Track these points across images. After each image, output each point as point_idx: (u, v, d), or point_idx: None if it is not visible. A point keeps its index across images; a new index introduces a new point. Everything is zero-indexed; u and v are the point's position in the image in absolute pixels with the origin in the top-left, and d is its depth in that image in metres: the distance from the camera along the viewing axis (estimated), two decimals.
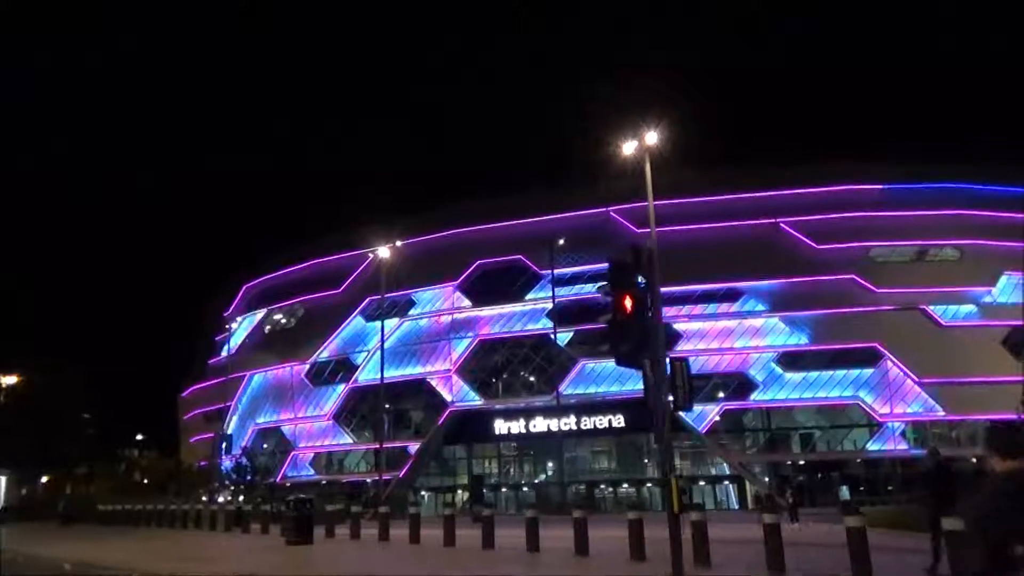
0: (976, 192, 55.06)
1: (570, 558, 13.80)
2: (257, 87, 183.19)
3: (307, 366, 65.59)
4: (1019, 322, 52.03)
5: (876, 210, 54.26)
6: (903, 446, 51.25)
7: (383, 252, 45.95)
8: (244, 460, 59.17)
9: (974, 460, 37.76)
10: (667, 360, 24.75)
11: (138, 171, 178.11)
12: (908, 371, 51.04)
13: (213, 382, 70.23)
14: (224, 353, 67.35)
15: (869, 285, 52.45)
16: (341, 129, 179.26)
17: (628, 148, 24.55)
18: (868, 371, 51.85)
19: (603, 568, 12.27)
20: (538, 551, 15.00)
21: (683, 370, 25.29)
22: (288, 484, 62.77)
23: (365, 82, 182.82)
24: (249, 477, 58.24)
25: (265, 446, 67.47)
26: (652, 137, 24.15)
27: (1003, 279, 53.12)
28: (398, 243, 51.12)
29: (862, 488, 48.99)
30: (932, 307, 52.25)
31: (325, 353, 65.13)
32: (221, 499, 57.60)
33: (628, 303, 12.67)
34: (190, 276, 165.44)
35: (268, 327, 72.28)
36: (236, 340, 71.27)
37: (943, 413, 50.91)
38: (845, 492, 32.17)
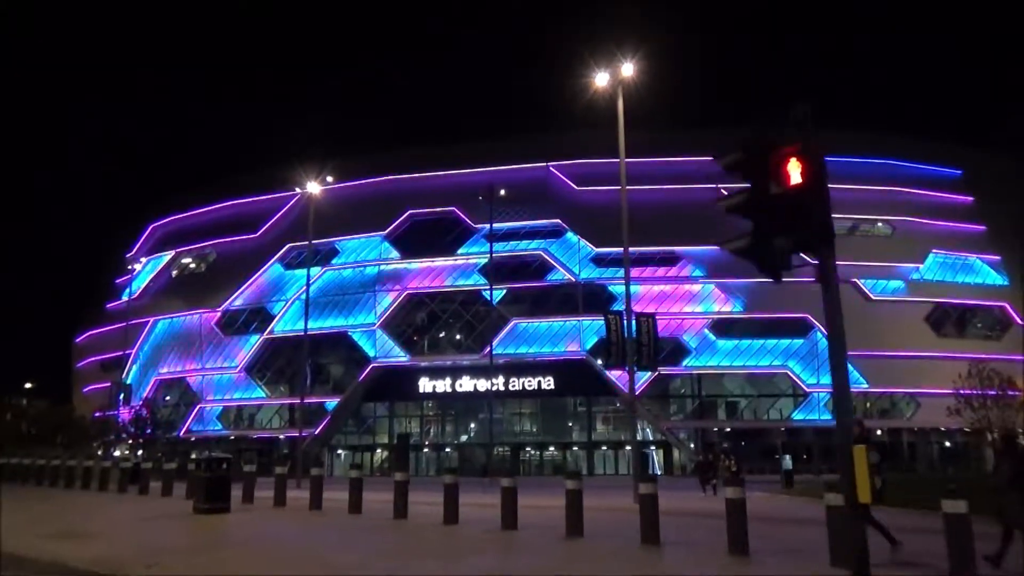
0: (911, 170, 55.67)
1: (498, 534, 11.60)
2: (182, 4, 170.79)
3: (218, 314, 61.18)
4: (943, 300, 53.20)
5: None
6: (826, 416, 51.71)
7: (310, 192, 42.20)
8: (144, 412, 54.68)
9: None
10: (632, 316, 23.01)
11: (36, 91, 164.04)
12: None
13: (112, 327, 64.69)
14: (125, 297, 62.00)
15: (804, 256, 52.12)
16: (270, 64, 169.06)
17: (601, 80, 22.30)
18: (798, 341, 52.02)
19: (548, 553, 10.05)
20: (456, 523, 12.75)
21: (650, 327, 23.67)
22: (193, 439, 58.82)
23: (299, 13, 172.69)
24: (149, 430, 53.91)
25: (168, 398, 62.91)
26: (628, 69, 21.99)
27: (931, 257, 54.03)
28: (324, 187, 47.48)
29: (805, 457, 49.19)
30: (862, 281, 52.66)
31: (239, 301, 60.85)
32: (117, 453, 53.26)
33: (797, 167, 7.48)
34: (89, 211, 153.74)
35: (175, 271, 67.12)
36: (139, 283, 65.87)
37: (867, 386, 51.61)
38: (788, 462, 31.36)
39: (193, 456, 19.72)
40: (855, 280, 52.39)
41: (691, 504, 19.82)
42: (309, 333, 49.09)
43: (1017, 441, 9.37)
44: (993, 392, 33.86)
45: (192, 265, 66.74)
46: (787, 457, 32.55)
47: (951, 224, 54.58)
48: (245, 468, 18.15)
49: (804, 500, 22.16)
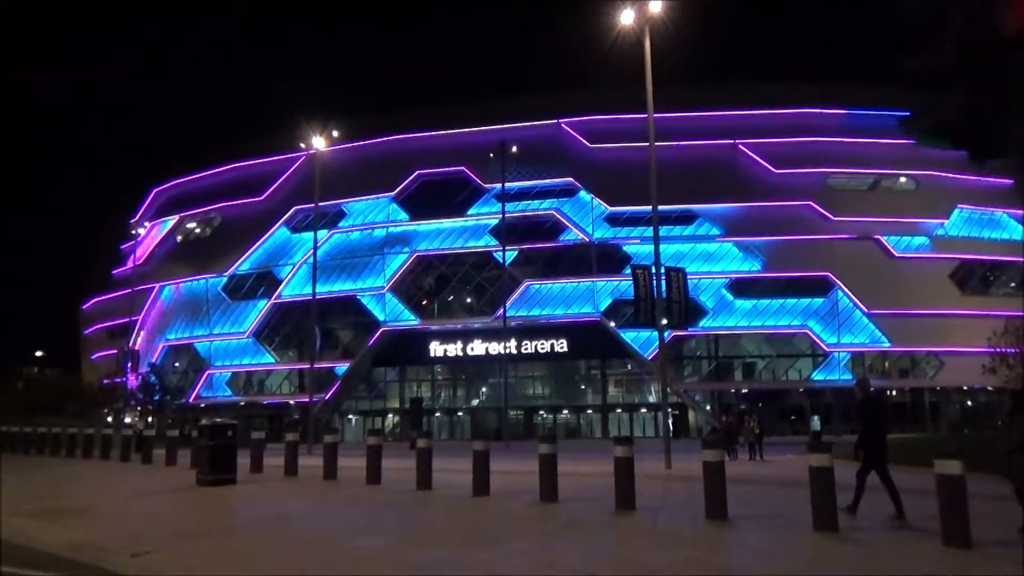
0: None
1: (539, 508, 10.41)
2: None
3: (224, 279, 60.08)
4: (968, 256, 51.61)
5: (837, 136, 52.21)
6: (847, 376, 50.60)
7: (316, 152, 40.68)
8: (152, 378, 53.95)
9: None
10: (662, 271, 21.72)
11: (37, 57, 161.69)
12: (858, 302, 50.03)
13: (118, 294, 63.78)
14: (130, 263, 60.93)
15: (826, 212, 50.71)
16: (275, 23, 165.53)
17: (626, 18, 20.66)
18: (818, 300, 50.63)
19: (610, 535, 8.91)
20: (488, 494, 11.59)
21: (680, 282, 22.37)
22: (203, 405, 58.20)
23: None
24: (157, 397, 53.21)
25: (177, 364, 62.18)
26: (656, 5, 20.34)
27: (956, 212, 52.28)
28: (330, 147, 45.96)
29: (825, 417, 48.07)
30: (886, 238, 51.09)
31: (245, 265, 59.70)
32: (128, 420, 52.69)
33: None
34: (94, 176, 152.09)
35: (180, 236, 65.91)
36: (144, 249, 64.79)
37: (889, 345, 50.36)
38: (816, 422, 30.24)
39: (200, 423, 18.57)
40: (878, 236, 50.88)
41: (738, 468, 18.71)
42: (317, 297, 48.12)
43: None
44: None
45: (197, 230, 65.51)
46: (815, 418, 31.46)
47: (977, 178, 52.49)
48: (253, 435, 16.93)
49: (842, 463, 21.04)
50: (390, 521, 9.38)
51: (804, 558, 6.90)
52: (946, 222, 52.10)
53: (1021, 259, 52.07)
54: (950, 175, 52.08)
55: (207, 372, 59.66)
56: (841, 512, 8.95)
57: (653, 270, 19.63)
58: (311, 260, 39.60)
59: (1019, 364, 32.71)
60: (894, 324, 49.65)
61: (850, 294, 50.05)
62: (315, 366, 43.38)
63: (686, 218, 51.66)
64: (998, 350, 33.78)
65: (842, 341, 50.47)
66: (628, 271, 50.02)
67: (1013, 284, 52.45)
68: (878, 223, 50.61)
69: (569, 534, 8.17)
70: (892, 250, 51.01)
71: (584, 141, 53.91)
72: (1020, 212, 52.36)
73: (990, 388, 50.93)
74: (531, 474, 15.53)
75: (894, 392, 52.69)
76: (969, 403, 54.44)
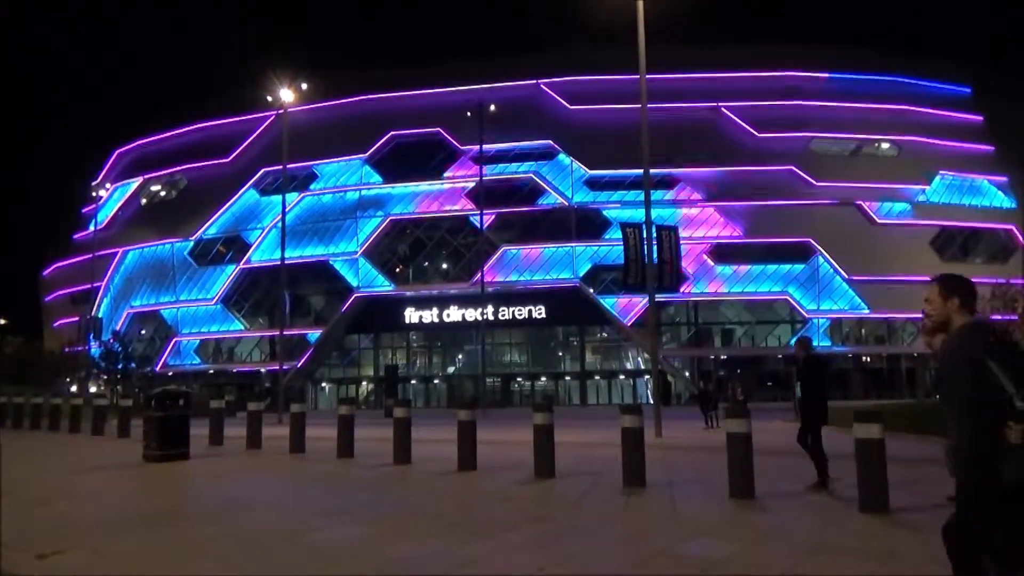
0: (919, 88, 52.99)
1: (535, 486, 9.38)
2: None
3: (191, 243, 58.01)
4: (949, 223, 51.29)
5: (820, 100, 51.28)
6: (826, 343, 50.32)
7: (285, 109, 38.71)
8: (116, 346, 52.08)
9: None
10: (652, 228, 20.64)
11: None
12: (838, 268, 49.59)
13: (79, 259, 61.38)
14: (92, 227, 58.53)
15: (809, 177, 49.95)
16: None
17: None
18: (799, 267, 50.11)
19: (627, 520, 7.91)
20: (475, 469, 10.54)
21: (672, 241, 21.34)
22: (170, 374, 56.49)
23: None
24: (121, 365, 51.42)
25: (143, 332, 60.22)
26: None
27: (937, 178, 51.83)
28: (300, 107, 44.08)
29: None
30: (867, 203, 50.55)
31: (212, 229, 57.66)
32: (93, 389, 50.91)
33: None
34: (52, 137, 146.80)
35: (144, 199, 63.48)
36: (106, 212, 62.30)
37: (868, 311, 50.09)
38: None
39: (148, 391, 17.20)
40: (860, 202, 50.32)
41: (717, 437, 17.83)
42: (288, 262, 46.48)
43: None
44: (1015, 316, 32.27)
45: (162, 192, 63.14)
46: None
47: (959, 144, 52.22)
48: (212, 404, 15.55)
49: (828, 429, 20.34)
50: (365, 504, 8.24)
51: (881, 548, 5.87)
52: (928, 188, 51.67)
53: (1001, 226, 51.99)
54: (932, 141, 51.60)
55: (174, 339, 57.86)
56: (819, 488, 8.59)
57: (644, 228, 18.50)
58: (281, 224, 37.97)
59: (1006, 331, 32.41)
60: (874, 290, 49.33)
61: (831, 260, 49.58)
62: (286, 333, 42.02)
63: (667, 182, 50.58)
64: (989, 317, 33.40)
65: (822, 307, 50.14)
66: (608, 235, 49.45)
67: (987, 249, 52.34)
68: (860, 189, 50.04)
69: (579, 519, 7.10)
70: (874, 216, 50.51)
71: (564, 102, 52.43)
72: (1001, 178, 52.22)
73: None
74: (515, 444, 14.57)
75: (868, 359, 52.65)
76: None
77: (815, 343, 49.56)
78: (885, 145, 52.83)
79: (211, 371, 56.78)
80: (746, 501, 7.83)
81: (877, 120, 51.23)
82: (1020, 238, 51.65)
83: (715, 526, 6.75)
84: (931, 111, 52.17)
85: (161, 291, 58.88)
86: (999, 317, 32.93)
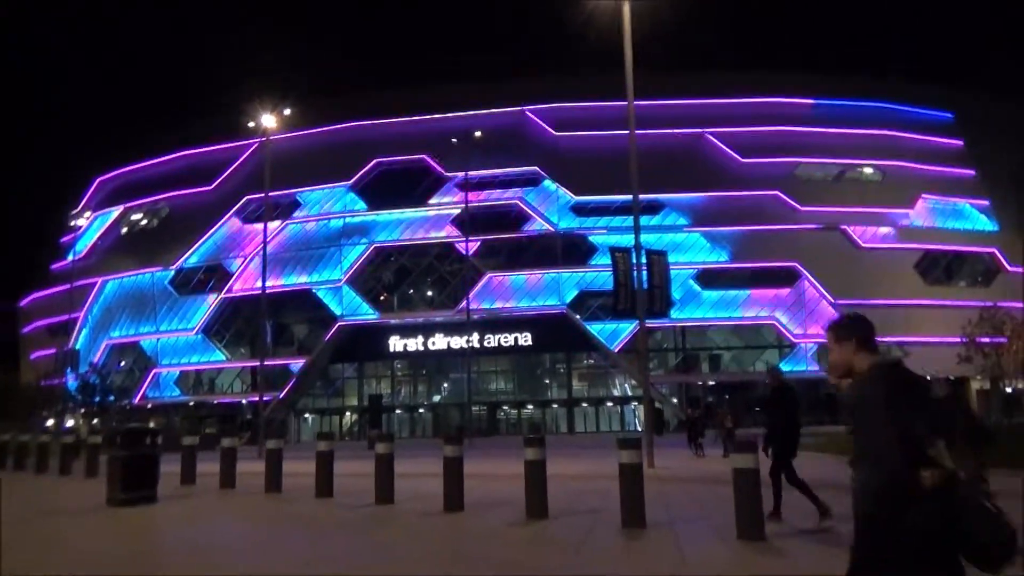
0: (902, 114, 53.46)
1: (529, 528, 8.78)
2: None
3: (171, 272, 57.15)
4: (933, 246, 51.49)
5: (804, 125, 51.62)
6: (814, 367, 50.05)
7: (268, 137, 38.27)
8: (93, 378, 50.92)
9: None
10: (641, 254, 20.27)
11: None
12: (824, 292, 49.51)
13: (58, 289, 60.32)
14: (71, 257, 57.57)
15: (793, 203, 50.07)
16: (226, 2, 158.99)
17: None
18: (785, 291, 50.00)
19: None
20: (462, 509, 9.89)
21: (661, 267, 20.99)
22: (149, 406, 55.35)
23: None
24: (99, 398, 50.23)
25: (122, 363, 59.01)
26: None
27: (921, 202, 52.13)
28: (284, 134, 43.75)
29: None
30: (852, 228, 50.68)
31: (194, 258, 56.87)
32: (71, 423, 49.69)
33: None
34: (31, 166, 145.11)
35: (125, 227, 62.64)
36: (86, 242, 61.40)
37: None
38: None
39: (115, 429, 16.24)
40: (844, 227, 50.44)
41: (711, 466, 17.30)
42: (271, 291, 45.82)
43: (960, 393, 7.46)
44: (1004, 339, 32.12)
45: (143, 221, 62.36)
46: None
47: (942, 168, 52.63)
48: (185, 441, 14.76)
49: (820, 456, 19.87)
50: (343, 553, 7.64)
51: None
52: (911, 212, 51.92)
53: (983, 249, 52.23)
54: (915, 165, 52.00)
55: (153, 371, 56.70)
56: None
57: (633, 253, 18.12)
58: (262, 252, 37.34)
59: (994, 353, 32.23)
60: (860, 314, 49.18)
61: (816, 284, 49.53)
62: (268, 363, 41.18)
63: (653, 208, 50.39)
64: (963, 340, 33.32)
65: (808, 332, 49.90)
66: (594, 261, 49.19)
67: (971, 273, 52.54)
68: (845, 213, 50.18)
69: (579, 567, 6.55)
70: (859, 240, 50.61)
71: (549, 128, 52.45)
72: (983, 202, 52.60)
73: (952, 378, 50.93)
74: (503, 478, 13.99)
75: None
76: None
77: (803, 367, 49.51)
78: (869, 170, 53.18)
79: (191, 403, 55.69)
80: (756, 543, 7.30)
81: (861, 145, 51.57)
82: (1003, 261, 51.89)
83: (728, 573, 6.23)
84: (914, 136, 52.61)
85: (141, 321, 57.83)
86: (988, 340, 32.84)
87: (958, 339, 42.00)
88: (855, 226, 50.72)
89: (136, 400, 55.42)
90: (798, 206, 49.93)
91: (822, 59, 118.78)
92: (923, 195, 51.94)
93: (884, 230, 51.44)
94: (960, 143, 53.27)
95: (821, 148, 51.21)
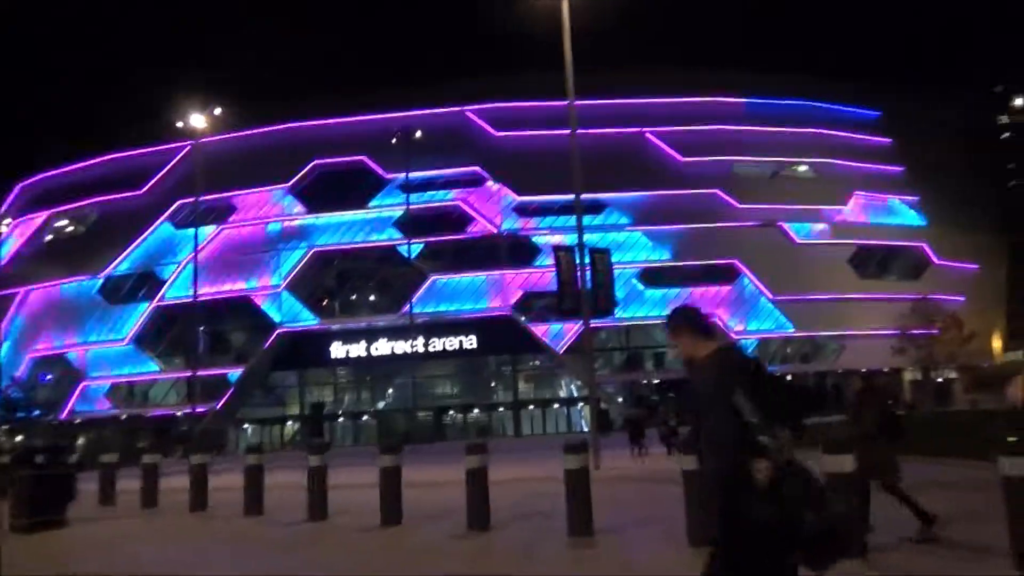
0: (832, 112, 54.86)
1: (473, 541, 8.39)
2: None
3: (100, 281, 54.76)
4: (865, 241, 52.98)
5: (740, 124, 52.50)
6: None
7: (200, 139, 36.92)
8: (14, 393, 48.43)
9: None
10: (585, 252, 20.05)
11: None
12: (763, 288, 50.44)
13: None
14: None
15: (732, 201, 50.85)
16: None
17: None
18: (726, 288, 50.74)
19: None
20: (400, 522, 9.43)
21: (605, 264, 20.81)
22: (78, 421, 52.93)
23: None
24: (23, 413, 47.80)
25: (49, 377, 56.28)
26: None
27: (853, 198, 53.60)
28: (218, 136, 42.45)
29: None
30: (788, 224, 51.75)
31: (124, 265, 54.61)
32: None
33: None
34: None
35: (50, 234, 59.76)
36: (6, 249, 58.37)
37: (793, 330, 51.01)
38: None
39: (20, 446, 15.09)
40: (781, 223, 51.45)
41: (655, 465, 17.15)
42: (206, 298, 44.32)
43: (878, 387, 7.62)
44: (936, 331, 33.15)
45: (69, 227, 59.61)
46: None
47: (872, 165, 54.26)
48: (104, 458, 13.79)
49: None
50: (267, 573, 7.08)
51: None
52: (844, 208, 53.33)
53: (913, 244, 54.00)
54: (847, 163, 53.43)
55: (82, 384, 54.21)
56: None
57: (576, 252, 17.91)
58: (194, 258, 36.00)
59: (927, 345, 33.26)
60: (798, 309, 50.31)
61: (756, 281, 50.43)
62: (205, 373, 39.80)
63: (595, 207, 50.48)
64: (897, 332, 34.33)
65: (749, 328, 50.78)
66: (538, 262, 49.03)
67: (902, 267, 54.27)
68: (781, 210, 51.17)
69: None
70: (794, 236, 51.73)
71: (490, 128, 52.12)
72: (912, 198, 54.39)
73: (886, 369, 52.54)
74: (447, 484, 13.51)
75: (790, 377, 53.41)
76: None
77: None
78: (803, 167, 54.42)
79: (123, 416, 53.40)
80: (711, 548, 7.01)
81: (794, 143, 52.74)
82: (931, 255, 53.71)
83: None
84: (844, 134, 54.05)
85: (68, 332, 55.26)
86: (921, 332, 33.89)
87: (893, 332, 43.35)
88: (791, 222, 51.80)
89: (63, 415, 52.90)
90: (736, 204, 50.74)
91: (756, 58, 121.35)
92: (855, 191, 53.41)
93: (819, 226, 52.70)
94: (888, 141, 55.00)
95: (757, 147, 52.15)
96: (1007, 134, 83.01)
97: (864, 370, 50.13)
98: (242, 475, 12.80)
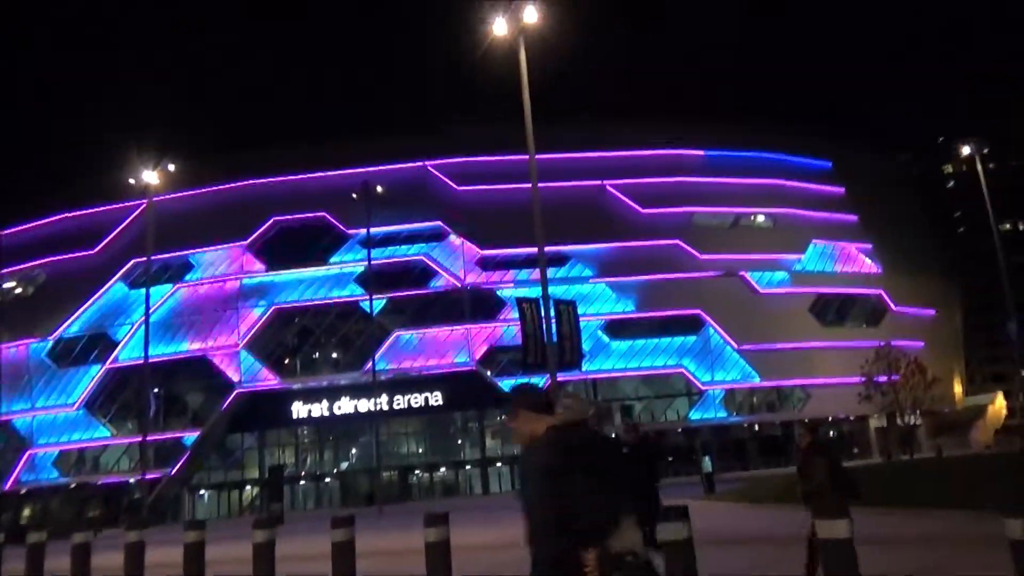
0: (787, 163, 56.24)
1: None
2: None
3: (49, 343, 52.81)
4: (824, 289, 53.72)
5: (699, 175, 53.46)
6: (723, 414, 50.84)
7: (153, 197, 36.20)
8: None
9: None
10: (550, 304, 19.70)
11: None
12: (728, 338, 50.61)
13: None
14: None
15: (693, 251, 51.33)
16: (111, 54, 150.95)
17: (499, 28, 18.97)
18: (691, 338, 50.82)
19: None
20: None
21: (571, 316, 20.44)
22: (23, 491, 50.35)
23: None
24: None
25: None
26: (531, 14, 18.76)
27: (811, 247, 54.53)
28: (174, 193, 41.77)
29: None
30: (750, 274, 52.31)
31: (75, 327, 52.79)
32: None
33: None
34: None
35: None
36: None
37: (759, 380, 51.09)
38: (708, 463, 28.91)
39: None
40: (742, 273, 51.97)
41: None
42: (162, 359, 42.99)
43: (823, 441, 7.64)
44: (898, 376, 33.36)
45: (17, 289, 57.65)
46: (707, 458, 30.01)
47: (827, 215, 55.48)
48: (32, 538, 12.59)
49: (745, 506, 19.56)
50: None
51: None
52: (803, 257, 54.19)
53: (871, 291, 54.91)
54: (803, 212, 54.55)
55: (28, 452, 51.68)
56: None
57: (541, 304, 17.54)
58: (145, 317, 34.90)
59: (891, 391, 33.39)
60: (762, 359, 50.53)
61: (720, 331, 50.60)
62: (159, 437, 38.21)
63: (559, 259, 50.49)
64: (862, 380, 34.48)
65: (716, 378, 50.74)
66: (503, 316, 48.62)
67: (861, 314, 55.02)
68: (742, 260, 51.75)
69: None
70: (756, 286, 52.25)
71: (452, 183, 52.20)
72: (867, 246, 55.56)
73: (852, 417, 52.77)
74: (411, 553, 12.72)
75: (757, 427, 53.30)
76: (832, 433, 55.99)
77: (712, 415, 50.15)
78: (761, 218, 55.41)
79: (72, 485, 50.92)
80: None
81: (752, 194, 53.79)
82: (889, 302, 54.62)
83: None
84: (799, 184, 55.33)
85: (14, 398, 52.89)
86: (884, 379, 34.04)
87: (857, 379, 43.60)
88: (752, 272, 52.40)
89: (8, 485, 50.27)
90: (698, 254, 51.20)
91: (713, 108, 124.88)
92: (813, 240, 54.40)
93: (779, 275, 53.39)
94: (841, 190, 56.39)
95: (715, 197, 53.04)
96: (951, 183, 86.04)
97: (825, 418, 50.35)
98: (180, 547, 11.92)
